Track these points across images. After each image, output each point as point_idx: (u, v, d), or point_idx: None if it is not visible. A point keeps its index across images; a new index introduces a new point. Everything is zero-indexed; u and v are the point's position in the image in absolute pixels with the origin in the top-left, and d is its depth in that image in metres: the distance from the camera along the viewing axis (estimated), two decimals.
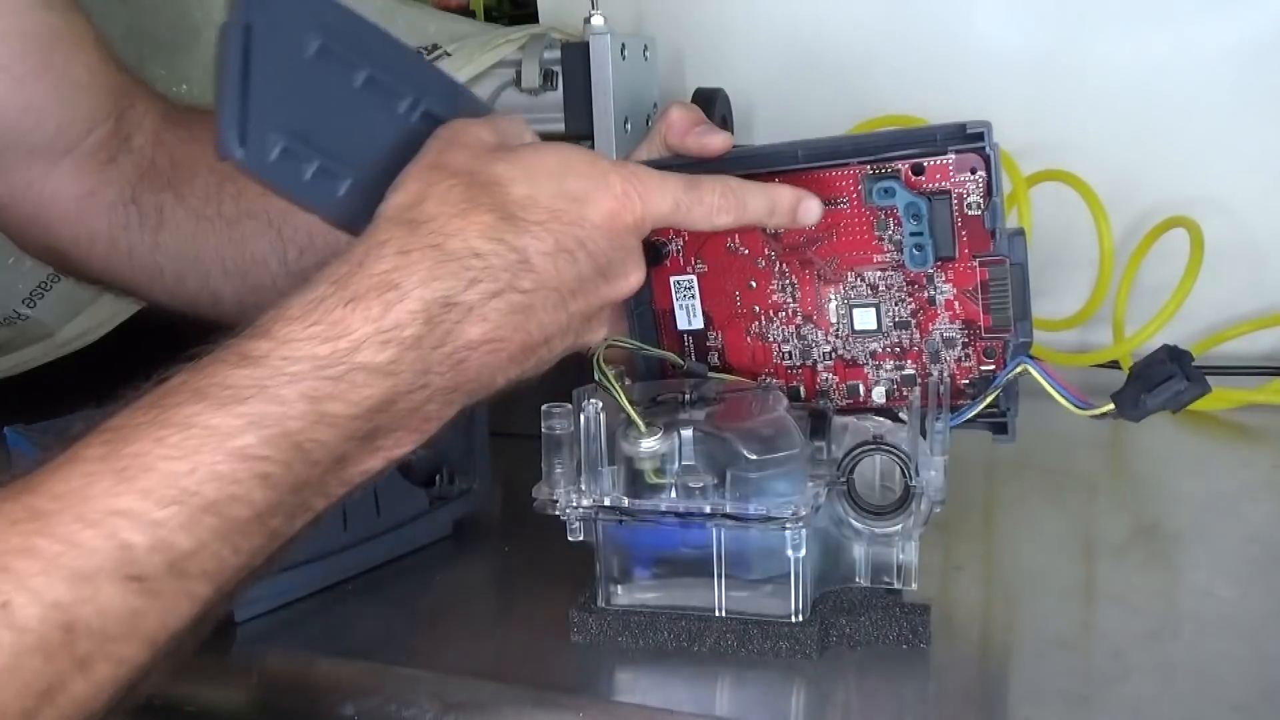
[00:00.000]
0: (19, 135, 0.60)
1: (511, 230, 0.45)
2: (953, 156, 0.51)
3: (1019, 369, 0.51)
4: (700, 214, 0.50)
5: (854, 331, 0.56)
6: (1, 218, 0.64)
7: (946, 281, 0.53)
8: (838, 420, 0.53)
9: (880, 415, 0.53)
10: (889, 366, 0.56)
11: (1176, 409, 0.48)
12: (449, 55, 0.82)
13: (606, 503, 0.50)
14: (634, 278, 0.49)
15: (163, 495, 0.38)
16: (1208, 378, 0.48)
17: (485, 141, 0.48)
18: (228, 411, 0.40)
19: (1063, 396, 0.49)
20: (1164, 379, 0.47)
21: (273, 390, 0.40)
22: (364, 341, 0.42)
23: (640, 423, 0.49)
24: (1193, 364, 0.48)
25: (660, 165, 0.55)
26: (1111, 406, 0.49)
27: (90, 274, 0.66)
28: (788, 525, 0.48)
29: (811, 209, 0.52)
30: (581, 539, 0.51)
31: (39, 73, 0.59)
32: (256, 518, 0.40)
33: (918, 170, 0.52)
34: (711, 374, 0.58)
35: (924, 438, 0.50)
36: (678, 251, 0.57)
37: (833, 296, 0.56)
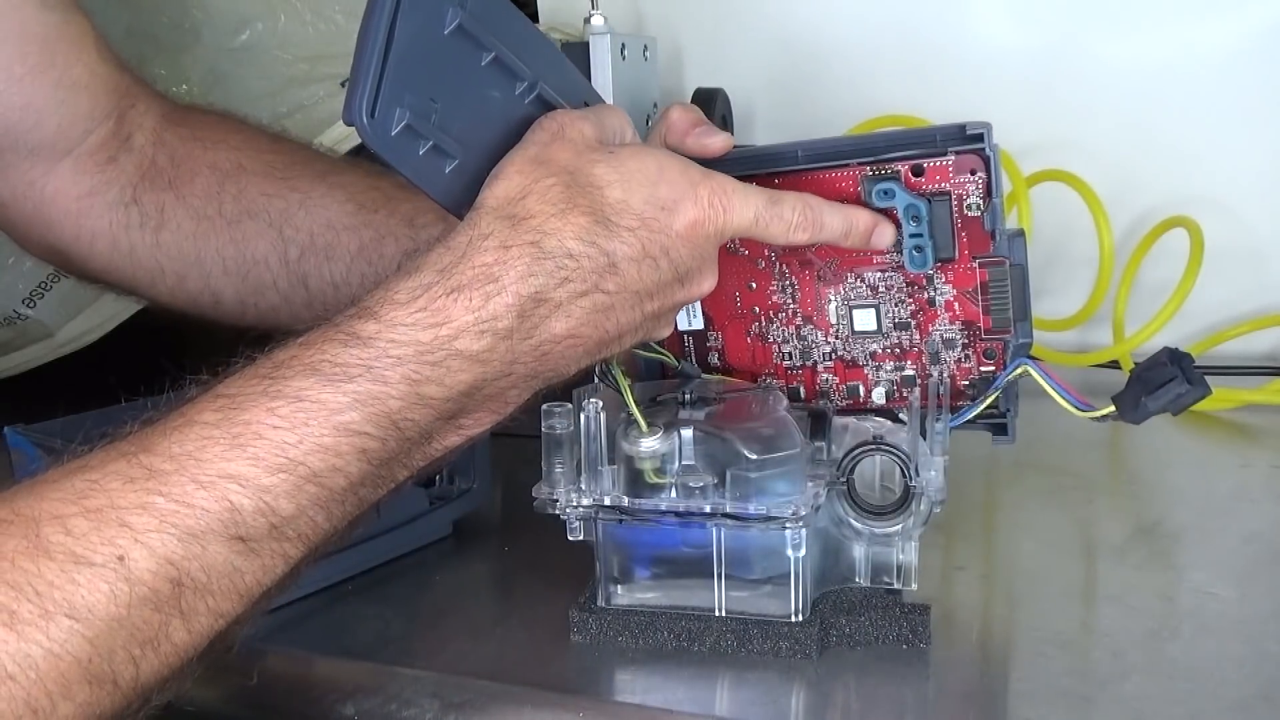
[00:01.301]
0: (20, 135, 0.60)
1: (604, 234, 0.46)
2: (952, 158, 0.51)
3: (1019, 370, 0.51)
4: (778, 229, 0.51)
5: (854, 332, 0.56)
6: (3, 217, 0.65)
7: (946, 282, 0.53)
8: (838, 420, 0.53)
9: (880, 416, 0.54)
10: (889, 367, 0.56)
11: (1177, 411, 0.48)
12: None
13: (606, 502, 0.50)
14: (708, 283, 0.51)
15: (271, 463, 0.41)
16: (1208, 378, 0.48)
17: (588, 138, 0.49)
18: (336, 388, 0.42)
19: (1063, 398, 0.49)
20: (1165, 381, 0.47)
21: (378, 371, 0.43)
22: (463, 330, 0.44)
23: (643, 421, 0.49)
24: (1194, 366, 0.48)
25: None
26: (1112, 408, 0.49)
27: (92, 273, 0.66)
28: (788, 525, 0.48)
29: (886, 234, 0.52)
30: (581, 538, 0.51)
31: (39, 72, 0.59)
32: (350, 487, 0.43)
33: (917, 171, 0.52)
34: (706, 375, 0.58)
35: (924, 438, 0.50)
36: None
37: (833, 297, 0.56)
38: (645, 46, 0.81)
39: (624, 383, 0.51)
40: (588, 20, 0.77)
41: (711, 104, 0.87)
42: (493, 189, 0.47)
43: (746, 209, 0.50)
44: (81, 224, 0.63)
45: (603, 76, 0.76)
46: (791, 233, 0.51)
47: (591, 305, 0.47)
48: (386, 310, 0.44)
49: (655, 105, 0.83)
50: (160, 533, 0.39)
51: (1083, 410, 0.49)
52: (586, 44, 0.76)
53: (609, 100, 0.77)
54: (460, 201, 0.48)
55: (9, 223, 0.65)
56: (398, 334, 0.43)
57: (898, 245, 0.53)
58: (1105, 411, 0.49)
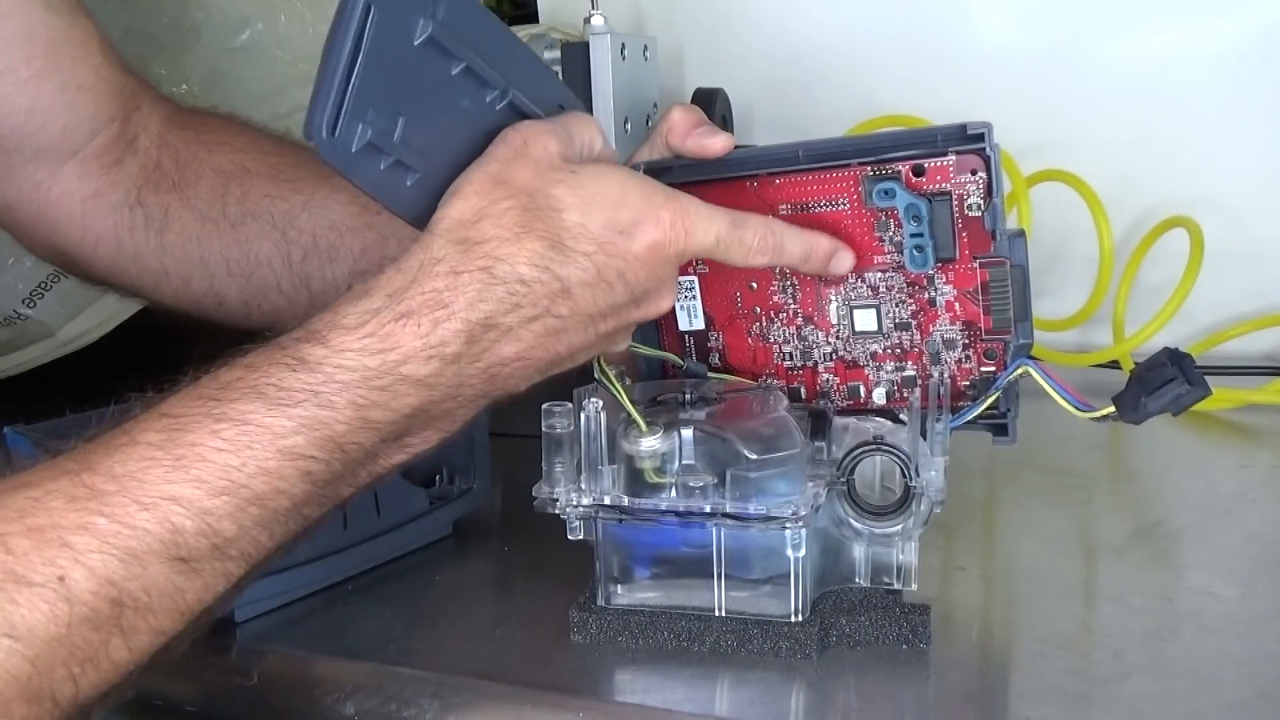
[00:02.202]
0: (25, 137, 0.60)
1: (558, 259, 0.46)
2: (953, 158, 0.51)
3: (1020, 370, 0.51)
4: (739, 252, 0.51)
5: (855, 332, 0.56)
6: (8, 219, 0.65)
7: (947, 283, 0.53)
8: (838, 420, 0.53)
9: (881, 416, 0.54)
10: (890, 368, 0.56)
11: (1177, 412, 0.48)
12: None
13: (606, 502, 0.50)
14: (665, 303, 0.51)
15: (214, 485, 0.41)
16: (1208, 378, 0.48)
17: (552, 154, 0.49)
18: (281, 412, 0.42)
19: (1063, 398, 0.49)
20: (1165, 382, 0.47)
21: (324, 396, 0.43)
22: (411, 356, 0.44)
23: (641, 421, 0.49)
24: (1194, 366, 0.48)
25: (661, 166, 0.55)
26: (1112, 409, 0.49)
27: (96, 275, 0.66)
28: (788, 525, 0.48)
29: (845, 260, 0.53)
30: (581, 538, 0.51)
31: (45, 75, 0.59)
32: (294, 508, 0.43)
33: (918, 171, 0.52)
34: (711, 374, 0.58)
35: (924, 438, 0.50)
36: None
37: (833, 297, 0.56)
38: (645, 46, 0.81)
39: (617, 386, 0.51)
40: (588, 20, 0.77)
41: (711, 104, 0.87)
42: (449, 209, 0.47)
43: (709, 232, 0.50)
44: (86, 226, 0.64)
45: (603, 76, 0.76)
46: (751, 256, 0.51)
47: (542, 329, 0.47)
48: (334, 335, 0.44)
49: (655, 105, 0.83)
50: (101, 553, 0.39)
51: (1083, 411, 0.49)
52: (586, 44, 0.76)
53: (609, 100, 0.77)
54: (422, 214, 0.48)
55: (14, 225, 0.65)
56: (345, 359, 0.43)
57: (899, 245, 0.53)
58: (1105, 412, 0.49)
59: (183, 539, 0.40)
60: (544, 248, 0.46)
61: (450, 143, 0.49)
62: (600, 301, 0.48)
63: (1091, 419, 0.49)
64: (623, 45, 0.77)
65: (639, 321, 0.51)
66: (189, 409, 0.42)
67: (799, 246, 0.52)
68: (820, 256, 0.53)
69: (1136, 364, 0.49)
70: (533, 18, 1.05)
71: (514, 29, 0.83)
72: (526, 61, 0.52)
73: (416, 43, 0.46)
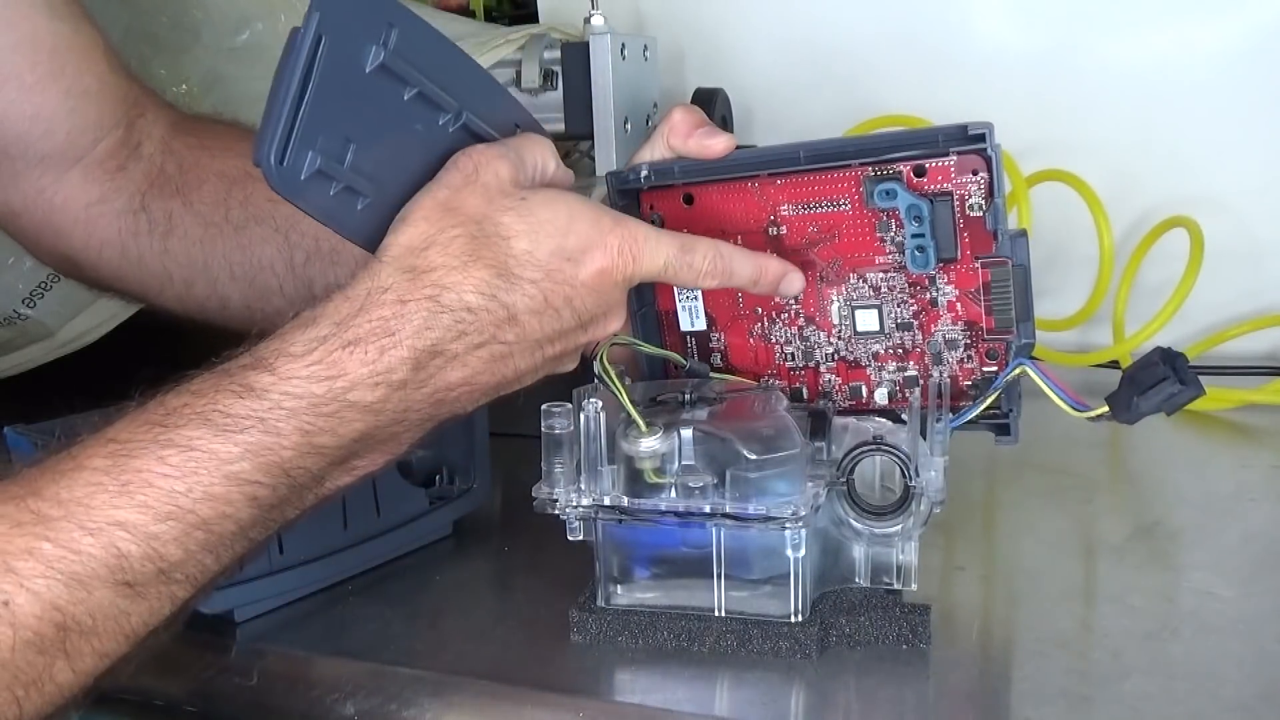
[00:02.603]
0: (30, 143, 0.61)
1: (505, 287, 0.47)
2: (954, 158, 0.51)
3: (1018, 370, 0.51)
4: (688, 276, 0.52)
5: (856, 333, 0.56)
6: (14, 225, 0.65)
7: (949, 283, 0.53)
8: (838, 420, 0.53)
9: (882, 417, 0.54)
10: (891, 368, 0.56)
11: (1170, 411, 0.48)
12: None
13: (606, 502, 0.50)
14: (614, 325, 0.52)
15: (160, 510, 0.41)
16: (1207, 378, 0.48)
17: (502, 180, 0.49)
18: (227, 439, 0.42)
19: (1060, 398, 0.49)
20: (1157, 381, 0.47)
21: (271, 423, 0.43)
22: (358, 383, 0.44)
23: (641, 421, 0.49)
24: (1188, 366, 0.48)
25: (663, 167, 0.55)
26: (1106, 409, 0.49)
27: (101, 280, 0.67)
28: (787, 525, 0.48)
29: (794, 283, 0.54)
30: (581, 538, 0.51)
31: (49, 81, 0.59)
32: (240, 532, 0.43)
33: (919, 172, 0.51)
34: (714, 374, 0.58)
35: (924, 438, 0.50)
36: None
37: (835, 298, 0.55)
38: (645, 46, 0.81)
39: (618, 385, 0.51)
40: (588, 20, 0.77)
41: (711, 104, 0.87)
42: (398, 235, 0.47)
43: (656, 257, 0.50)
44: (91, 231, 0.64)
45: (603, 76, 0.76)
46: (701, 279, 0.52)
47: (489, 355, 0.47)
48: (281, 363, 0.44)
49: (655, 105, 0.83)
50: (46, 578, 0.39)
51: (1078, 410, 0.49)
52: (586, 44, 0.76)
53: (609, 100, 0.77)
54: (373, 238, 0.48)
55: (19, 230, 0.65)
56: (291, 387, 0.44)
57: (900, 246, 0.53)
58: (1099, 412, 0.49)
59: (128, 564, 0.40)
60: (491, 276, 0.46)
61: (403, 166, 0.49)
62: (547, 327, 0.48)
63: (1086, 419, 0.49)
64: (623, 45, 0.77)
65: (587, 344, 0.52)
66: (135, 435, 0.42)
67: (748, 269, 0.53)
68: (770, 279, 0.54)
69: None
70: (533, 18, 1.05)
71: (514, 29, 0.84)
72: (481, 83, 0.52)
73: (368, 70, 0.46)
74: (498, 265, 0.47)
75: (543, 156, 0.52)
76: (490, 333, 0.47)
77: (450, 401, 0.48)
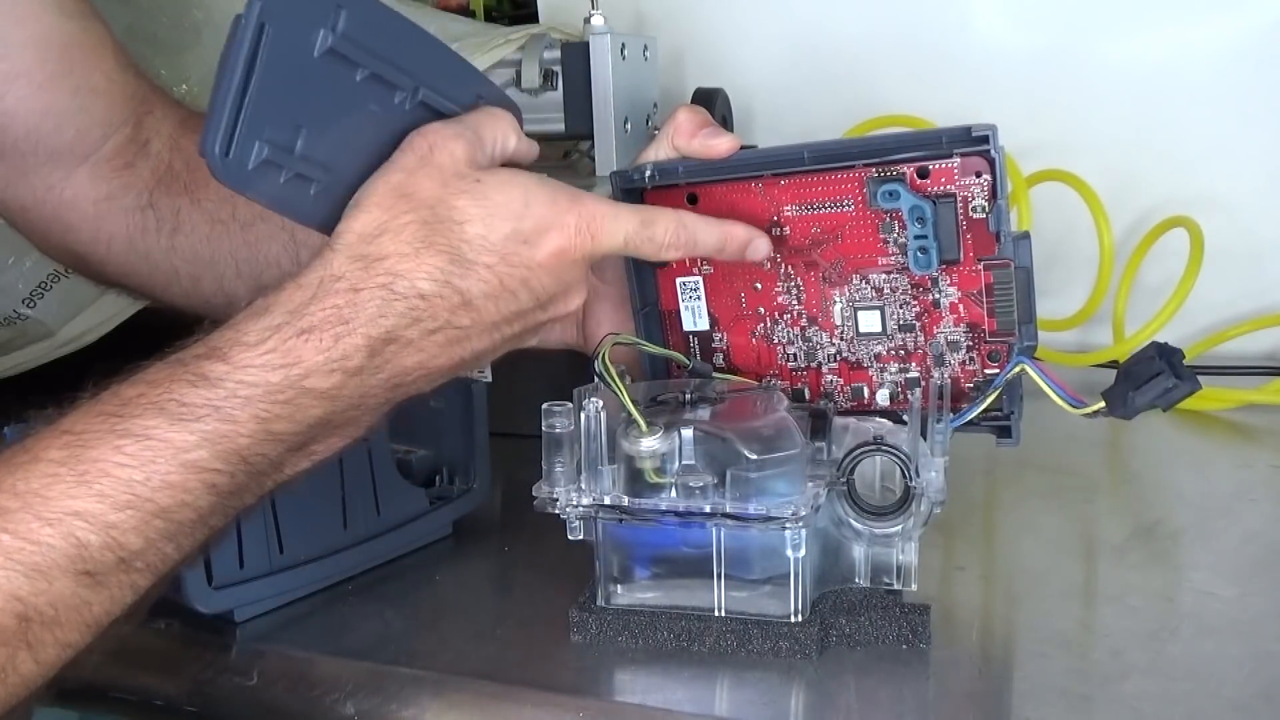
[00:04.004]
0: (39, 140, 0.61)
1: (459, 273, 0.47)
2: (958, 159, 0.51)
3: (1017, 369, 0.51)
4: (649, 249, 0.52)
5: (859, 334, 0.56)
6: (23, 221, 0.65)
7: (951, 284, 0.53)
8: (838, 421, 0.53)
9: (884, 417, 0.53)
10: (894, 369, 0.56)
11: (1166, 407, 0.47)
12: None
13: (606, 502, 0.50)
14: (575, 302, 0.52)
15: (118, 499, 0.41)
16: (1207, 377, 0.48)
17: (458, 160, 0.48)
18: (183, 427, 0.42)
19: (1058, 395, 0.49)
20: (1152, 376, 0.47)
21: (226, 411, 0.43)
22: (313, 370, 0.44)
23: (641, 421, 0.49)
24: (1183, 361, 0.47)
25: (668, 167, 0.55)
26: (1102, 404, 0.48)
27: (108, 276, 0.67)
28: (787, 525, 0.48)
29: (760, 247, 0.54)
30: (581, 538, 0.51)
31: (58, 79, 0.60)
32: (200, 519, 0.44)
33: (923, 173, 0.51)
34: (717, 374, 0.58)
35: (924, 439, 0.50)
36: None
37: (838, 299, 0.55)
38: (645, 46, 0.81)
39: (619, 384, 0.51)
40: (588, 20, 0.77)
41: (711, 104, 0.87)
42: (350, 222, 0.47)
43: (616, 233, 0.50)
44: (99, 228, 0.64)
45: (603, 76, 0.76)
46: (663, 252, 0.52)
47: (444, 339, 0.47)
48: (236, 352, 0.44)
49: (655, 105, 0.83)
50: (6, 569, 0.39)
51: (1075, 407, 0.49)
52: (586, 44, 0.76)
53: (609, 100, 0.77)
54: (328, 221, 0.48)
55: (28, 225, 0.65)
56: (246, 375, 0.43)
57: (903, 247, 0.53)
58: (1096, 408, 0.49)
59: (88, 553, 0.40)
60: (444, 262, 0.46)
61: (358, 147, 0.48)
62: (504, 309, 0.48)
63: (1082, 415, 0.49)
64: (623, 45, 0.77)
65: (547, 322, 0.51)
66: (90, 425, 0.42)
67: (712, 237, 0.53)
68: (735, 245, 0.54)
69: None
70: (533, 18, 1.05)
71: (514, 29, 0.84)
72: (439, 57, 0.51)
73: (316, 54, 0.45)
74: (451, 251, 0.47)
75: (502, 132, 0.51)
76: (445, 318, 0.47)
77: (407, 385, 0.48)
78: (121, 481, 0.41)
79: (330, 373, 0.45)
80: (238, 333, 0.45)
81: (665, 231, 0.51)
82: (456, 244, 0.47)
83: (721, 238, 0.53)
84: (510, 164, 0.52)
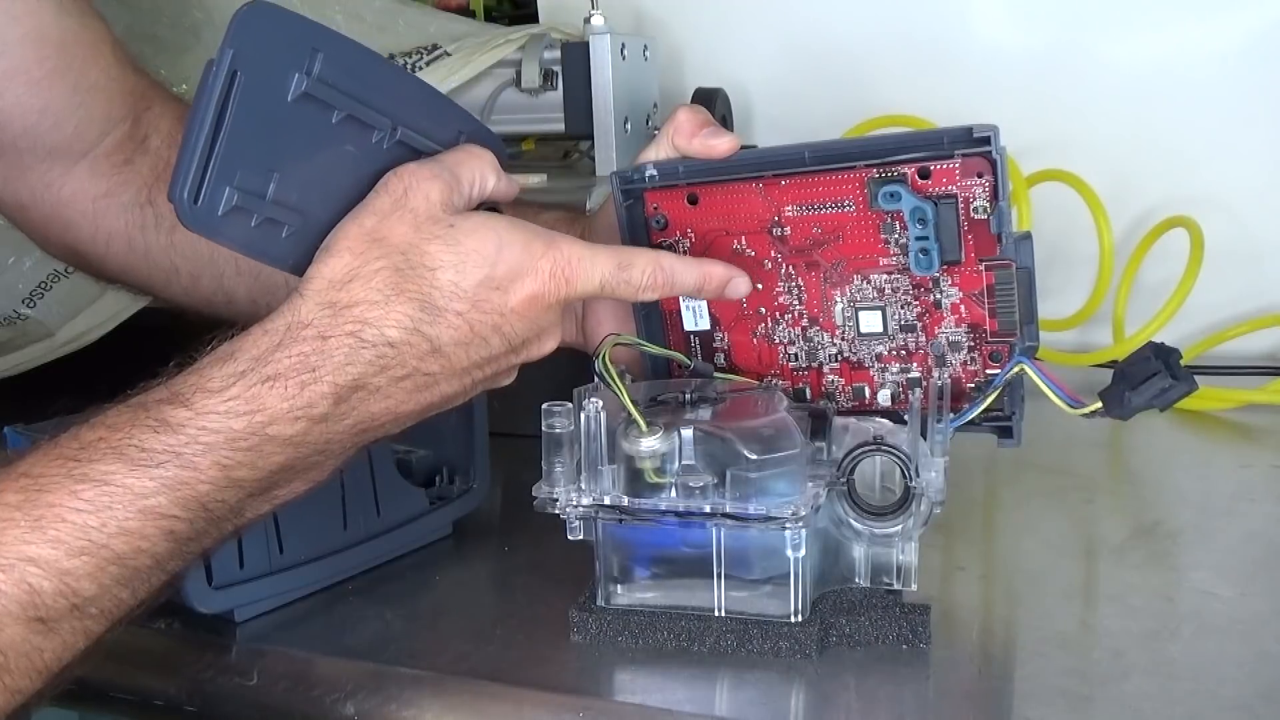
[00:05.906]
0: (38, 137, 0.61)
1: (429, 321, 0.46)
2: (959, 160, 0.51)
3: (1016, 369, 0.51)
4: (627, 292, 0.51)
5: (860, 334, 0.56)
6: (22, 218, 0.65)
7: (953, 285, 0.53)
8: (838, 421, 0.53)
9: (885, 417, 0.53)
10: (895, 369, 0.56)
11: (1163, 407, 0.47)
12: (449, 55, 0.82)
13: (606, 502, 0.50)
14: (548, 345, 0.51)
15: (73, 545, 0.41)
16: (1207, 378, 0.48)
17: (432, 204, 0.48)
18: (143, 473, 0.42)
19: (1056, 395, 0.49)
20: (1148, 376, 0.47)
21: (187, 457, 0.43)
22: (278, 418, 0.44)
23: (641, 421, 0.49)
24: (1180, 362, 0.47)
25: (668, 167, 0.55)
26: (1099, 404, 0.48)
27: (108, 273, 0.67)
28: (787, 525, 0.48)
29: (739, 286, 0.54)
30: (581, 538, 0.51)
31: (57, 76, 0.59)
32: (156, 565, 0.43)
33: (924, 174, 0.51)
34: (718, 374, 0.58)
35: (924, 439, 0.49)
36: (684, 253, 0.57)
37: (839, 299, 0.55)
38: (645, 46, 0.81)
39: (619, 384, 0.51)
40: (588, 20, 0.77)
41: (711, 104, 0.87)
42: (320, 267, 0.46)
43: (591, 277, 0.50)
44: (98, 225, 0.64)
45: (603, 76, 0.76)
46: (640, 294, 0.52)
47: (412, 385, 0.47)
48: (199, 398, 0.43)
49: (655, 105, 0.83)
50: None
51: (1074, 407, 0.49)
52: (586, 44, 0.77)
53: (609, 100, 0.77)
54: (300, 263, 0.47)
55: (28, 222, 0.65)
56: (208, 421, 0.43)
57: (904, 247, 0.53)
58: (1093, 408, 0.48)
59: (40, 599, 0.40)
60: (414, 310, 0.46)
61: (333, 189, 0.47)
62: (474, 355, 0.48)
63: (1080, 414, 0.49)
64: (623, 45, 0.77)
65: (520, 364, 0.51)
66: (48, 469, 0.42)
67: (691, 278, 0.53)
68: (714, 284, 0.53)
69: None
70: (533, 18, 1.05)
71: (514, 29, 0.84)
72: (418, 95, 0.51)
73: (290, 99, 0.45)
74: (421, 298, 0.46)
75: (480, 171, 0.51)
76: (413, 365, 0.46)
77: (374, 429, 0.47)
78: (77, 527, 0.41)
79: (295, 420, 0.44)
80: (201, 378, 0.44)
81: (643, 274, 0.51)
82: (427, 291, 0.46)
83: (700, 278, 0.53)
84: (489, 203, 0.52)
